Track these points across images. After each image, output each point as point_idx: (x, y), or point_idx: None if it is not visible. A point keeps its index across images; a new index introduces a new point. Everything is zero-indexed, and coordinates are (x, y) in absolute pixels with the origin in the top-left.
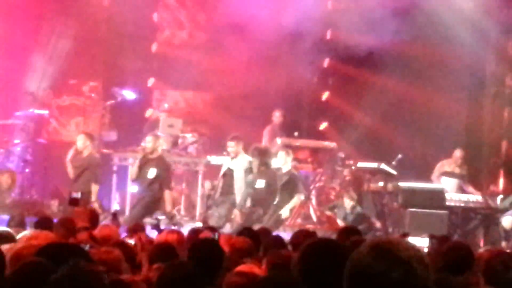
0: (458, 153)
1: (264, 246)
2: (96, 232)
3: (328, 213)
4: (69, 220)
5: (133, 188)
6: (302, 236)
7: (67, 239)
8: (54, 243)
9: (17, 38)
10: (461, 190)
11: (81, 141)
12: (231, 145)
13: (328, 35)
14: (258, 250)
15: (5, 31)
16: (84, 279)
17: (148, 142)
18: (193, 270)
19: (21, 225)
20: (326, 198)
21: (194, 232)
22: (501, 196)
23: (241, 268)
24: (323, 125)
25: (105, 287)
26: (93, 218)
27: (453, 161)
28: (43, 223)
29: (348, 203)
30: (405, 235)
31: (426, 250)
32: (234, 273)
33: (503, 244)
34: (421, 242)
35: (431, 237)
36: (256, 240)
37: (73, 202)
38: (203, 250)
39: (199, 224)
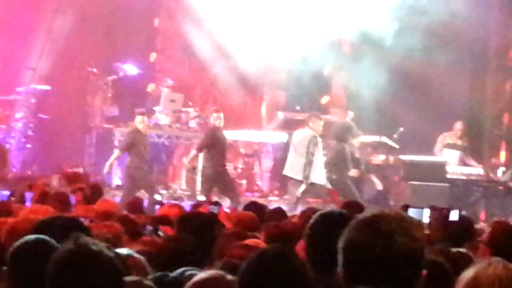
0: (458, 125)
1: (265, 219)
2: (96, 206)
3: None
4: (64, 194)
5: None
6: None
7: (64, 213)
8: (53, 217)
9: (19, 14)
10: (463, 162)
11: None
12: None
13: None
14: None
15: (6, 6)
16: (89, 255)
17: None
18: (193, 243)
19: (21, 201)
20: None
21: (195, 206)
22: (502, 168)
23: (247, 241)
24: (325, 99)
25: (110, 263)
26: (96, 192)
27: (454, 134)
28: (43, 198)
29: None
30: (406, 207)
31: (427, 221)
32: (237, 245)
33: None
34: (422, 214)
35: (432, 208)
36: (262, 214)
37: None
38: (192, 223)
39: (202, 198)
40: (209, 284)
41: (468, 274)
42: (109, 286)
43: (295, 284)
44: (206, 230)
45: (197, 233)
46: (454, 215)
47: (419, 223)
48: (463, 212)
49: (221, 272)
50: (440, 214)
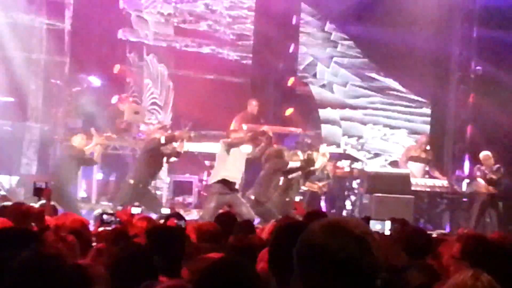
0: (423, 138)
1: (233, 231)
2: (54, 220)
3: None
4: (20, 206)
5: (99, 176)
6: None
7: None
8: (5, 228)
9: None
10: (427, 174)
11: None
12: None
13: (294, 21)
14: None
15: None
16: (47, 264)
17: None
18: (147, 252)
19: None
20: None
21: (162, 219)
22: (467, 180)
23: (210, 255)
24: (289, 111)
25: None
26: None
27: (418, 146)
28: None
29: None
30: (367, 218)
31: (388, 233)
32: (201, 259)
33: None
34: (383, 226)
35: (393, 220)
36: (229, 225)
37: (38, 192)
38: (160, 236)
39: (166, 211)
40: None
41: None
42: None
43: None
44: (176, 242)
45: (167, 246)
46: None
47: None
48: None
49: (182, 282)
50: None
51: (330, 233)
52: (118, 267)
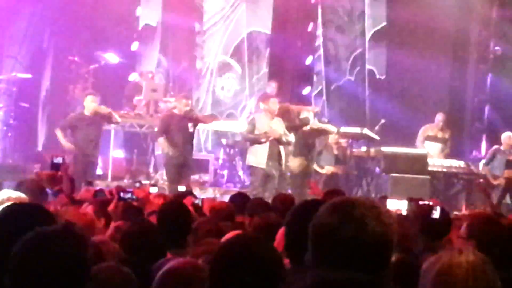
0: (440, 116)
1: (247, 210)
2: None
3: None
4: (35, 182)
5: (115, 153)
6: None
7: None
8: (17, 204)
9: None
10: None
11: None
12: None
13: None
14: (242, 213)
15: None
16: (55, 240)
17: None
18: (156, 229)
19: None
20: None
21: (179, 197)
22: (483, 161)
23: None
24: (307, 90)
25: (75, 247)
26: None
27: (435, 125)
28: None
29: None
30: (384, 197)
31: (404, 212)
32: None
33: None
34: (401, 205)
35: (410, 200)
36: (242, 204)
37: (55, 167)
38: (170, 213)
39: (182, 188)
40: (181, 271)
41: (438, 262)
42: (73, 272)
43: (265, 270)
44: (185, 219)
45: (175, 222)
46: (436, 213)
47: (388, 210)
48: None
49: (193, 259)
50: (421, 210)
51: (332, 213)
52: (127, 243)
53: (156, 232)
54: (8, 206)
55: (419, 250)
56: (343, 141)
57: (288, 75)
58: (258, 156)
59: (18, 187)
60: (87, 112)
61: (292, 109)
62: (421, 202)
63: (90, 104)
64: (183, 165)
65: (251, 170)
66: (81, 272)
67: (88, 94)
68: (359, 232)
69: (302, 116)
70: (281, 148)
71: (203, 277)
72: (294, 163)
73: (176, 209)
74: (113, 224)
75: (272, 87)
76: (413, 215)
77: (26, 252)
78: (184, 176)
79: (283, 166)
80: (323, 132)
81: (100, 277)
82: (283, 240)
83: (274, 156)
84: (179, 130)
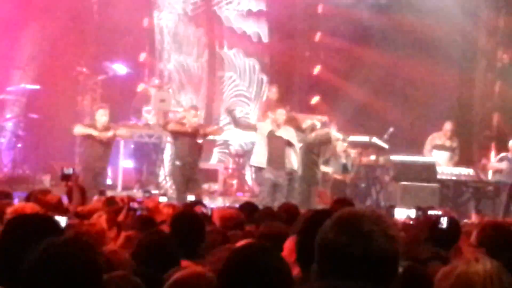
0: (448, 125)
1: (255, 220)
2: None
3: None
4: (42, 192)
5: (125, 163)
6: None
7: (49, 212)
8: (26, 215)
9: (8, 13)
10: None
11: None
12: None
13: (320, 9)
14: (251, 223)
15: None
16: (66, 250)
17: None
18: (169, 239)
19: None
20: None
21: (188, 206)
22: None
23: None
24: (315, 99)
25: (86, 257)
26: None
27: (443, 134)
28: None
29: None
30: (392, 207)
31: (411, 221)
32: (226, 249)
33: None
34: (409, 213)
35: (418, 208)
36: (251, 213)
37: (65, 177)
38: (183, 223)
39: (191, 198)
40: (189, 281)
41: (454, 271)
42: (85, 281)
43: (273, 279)
44: (198, 229)
45: (189, 231)
46: (443, 223)
47: (394, 222)
48: (451, 216)
49: (201, 269)
50: (428, 220)
51: (339, 229)
52: (141, 253)
53: (170, 242)
54: (16, 217)
55: (425, 258)
56: (353, 151)
57: (296, 85)
58: (259, 156)
59: (27, 198)
60: (99, 125)
61: (298, 118)
62: (430, 212)
63: (101, 118)
64: (189, 178)
65: (256, 175)
66: (92, 282)
67: (99, 107)
68: (367, 250)
69: (305, 124)
70: (288, 151)
71: (209, 287)
72: (300, 171)
73: (190, 218)
74: (123, 234)
75: (273, 92)
76: (420, 225)
77: (38, 262)
78: (191, 188)
79: (291, 169)
80: (327, 141)
81: (110, 286)
82: (291, 250)
83: (274, 158)
84: (187, 141)
